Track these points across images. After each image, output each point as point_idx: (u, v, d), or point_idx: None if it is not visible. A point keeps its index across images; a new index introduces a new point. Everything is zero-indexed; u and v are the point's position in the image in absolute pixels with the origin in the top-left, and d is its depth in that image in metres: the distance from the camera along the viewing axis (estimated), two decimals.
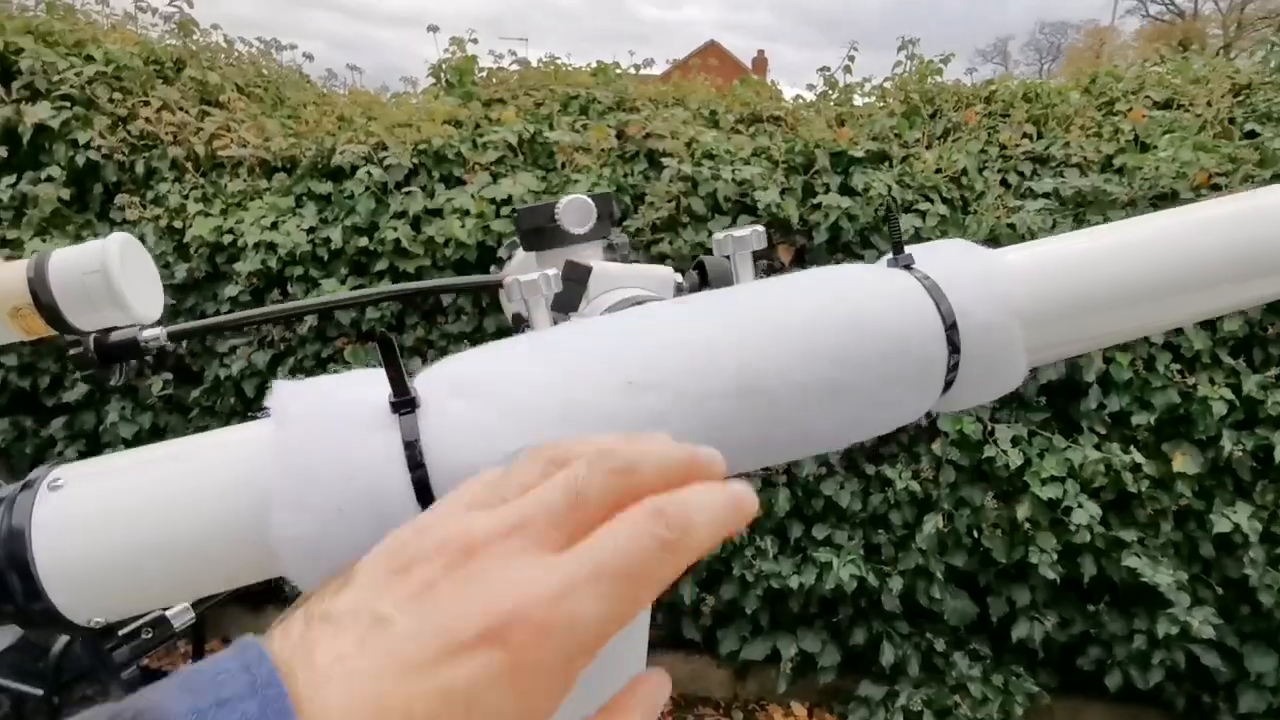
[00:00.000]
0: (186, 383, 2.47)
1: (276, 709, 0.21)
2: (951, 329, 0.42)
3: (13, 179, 2.49)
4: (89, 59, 2.57)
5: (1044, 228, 2.06)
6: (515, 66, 2.83)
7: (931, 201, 2.20)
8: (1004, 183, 2.28)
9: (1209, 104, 2.26)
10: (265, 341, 2.39)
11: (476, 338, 2.29)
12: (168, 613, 0.45)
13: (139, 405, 2.50)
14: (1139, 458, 2.04)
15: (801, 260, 2.23)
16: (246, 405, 2.40)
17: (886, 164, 2.32)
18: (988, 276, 0.45)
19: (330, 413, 0.36)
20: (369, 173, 2.31)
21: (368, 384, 0.37)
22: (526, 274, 0.45)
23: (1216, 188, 2.06)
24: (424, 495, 0.34)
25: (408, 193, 2.32)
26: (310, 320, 2.32)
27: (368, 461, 0.34)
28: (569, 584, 0.22)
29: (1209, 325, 2.05)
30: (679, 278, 0.58)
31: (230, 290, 2.36)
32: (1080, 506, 2.03)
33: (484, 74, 2.79)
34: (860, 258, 2.18)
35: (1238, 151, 2.10)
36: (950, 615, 2.22)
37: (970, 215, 2.20)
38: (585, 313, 0.52)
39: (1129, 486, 2.03)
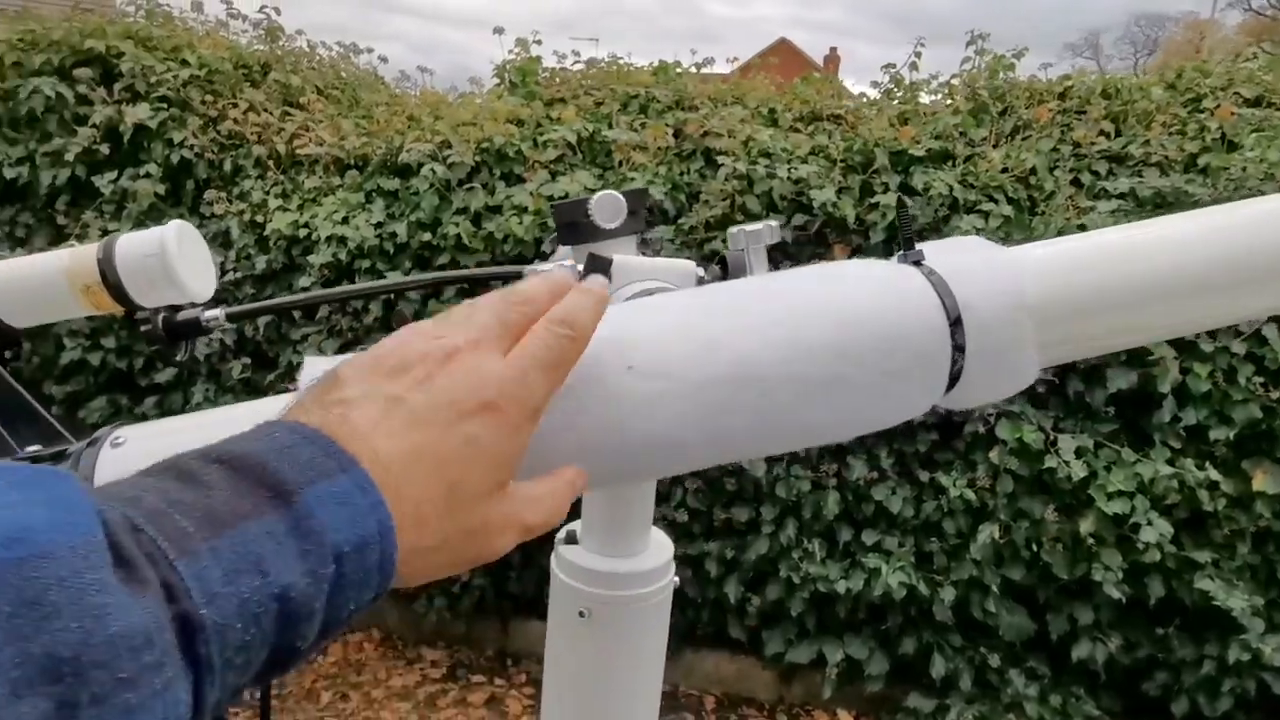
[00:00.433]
0: (263, 367, 2.62)
1: (330, 449, 0.27)
2: (956, 324, 0.42)
3: (114, 175, 2.68)
4: (184, 63, 2.74)
5: None
6: (579, 66, 2.88)
7: (996, 202, 2.13)
8: (1076, 182, 2.18)
9: None
10: (334, 330, 2.50)
11: None
12: None
13: (221, 387, 2.66)
14: (1216, 474, 1.92)
15: None
16: None
17: (950, 163, 2.26)
18: (997, 272, 0.45)
19: None
20: (433, 170, 2.39)
21: None
22: (547, 265, 0.47)
23: None
24: None
25: (469, 190, 2.40)
26: (375, 311, 2.42)
27: None
28: (523, 371, 0.33)
29: None
30: (701, 271, 0.59)
31: (304, 281, 2.49)
32: (1150, 524, 1.93)
33: (547, 74, 2.85)
34: None
35: None
36: (1006, 630, 2.14)
37: (1038, 216, 2.12)
38: None
39: (1204, 505, 1.92)
